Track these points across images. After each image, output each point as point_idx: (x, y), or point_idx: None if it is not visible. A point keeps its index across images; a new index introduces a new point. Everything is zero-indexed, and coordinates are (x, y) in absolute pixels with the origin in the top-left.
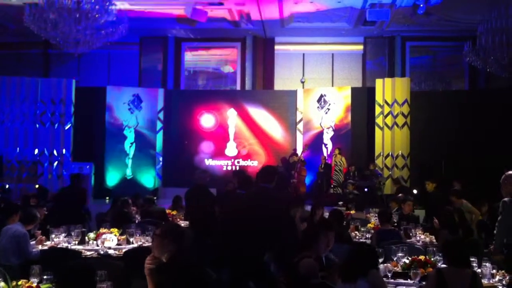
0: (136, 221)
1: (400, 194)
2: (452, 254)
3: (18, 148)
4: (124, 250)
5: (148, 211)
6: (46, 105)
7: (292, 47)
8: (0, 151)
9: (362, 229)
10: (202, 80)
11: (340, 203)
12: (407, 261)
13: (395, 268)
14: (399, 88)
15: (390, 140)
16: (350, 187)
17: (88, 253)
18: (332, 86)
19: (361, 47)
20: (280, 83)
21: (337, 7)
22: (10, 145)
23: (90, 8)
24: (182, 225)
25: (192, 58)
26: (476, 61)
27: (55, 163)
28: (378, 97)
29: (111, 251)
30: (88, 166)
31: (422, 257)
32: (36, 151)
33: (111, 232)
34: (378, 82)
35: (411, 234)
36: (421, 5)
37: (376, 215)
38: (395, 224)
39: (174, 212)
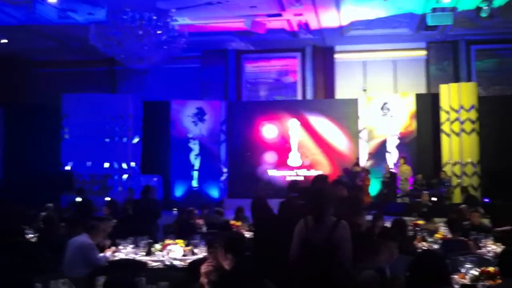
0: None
1: (463, 205)
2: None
3: (88, 163)
4: (188, 261)
5: (213, 222)
6: (114, 120)
7: (353, 55)
8: (72, 165)
9: (429, 239)
10: (263, 91)
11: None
12: (476, 273)
13: (463, 280)
14: (465, 93)
15: (458, 147)
16: (425, 197)
17: (154, 264)
18: (396, 93)
19: (424, 52)
20: (341, 92)
21: (397, 13)
22: (81, 160)
23: (152, 25)
24: (247, 236)
25: (252, 69)
26: None
27: (125, 176)
28: (444, 103)
29: (176, 262)
30: (155, 179)
31: (491, 269)
32: (106, 165)
33: (176, 243)
34: (443, 88)
35: (480, 245)
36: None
37: (445, 225)
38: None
39: (239, 223)
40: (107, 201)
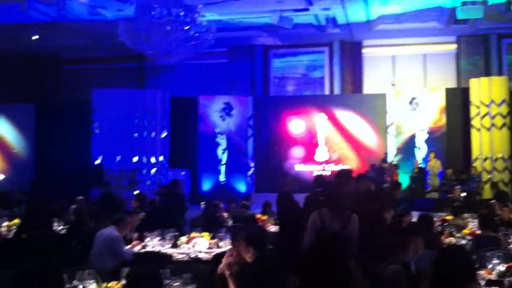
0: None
1: (493, 201)
2: None
3: (118, 157)
4: (213, 254)
5: (238, 216)
6: (143, 115)
7: (381, 49)
8: (102, 160)
9: (457, 235)
10: (291, 86)
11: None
12: (503, 269)
13: (489, 275)
14: (496, 87)
15: (488, 142)
16: (457, 192)
17: (180, 256)
18: (425, 87)
19: (454, 46)
20: (369, 87)
21: (426, 7)
22: (110, 154)
23: (180, 20)
24: (272, 230)
25: (280, 64)
26: None
27: (153, 170)
28: (474, 98)
29: (201, 255)
30: (183, 173)
31: None
32: (135, 159)
33: (202, 236)
34: (473, 82)
35: (509, 241)
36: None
37: (474, 221)
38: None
39: (265, 217)
40: (136, 194)
